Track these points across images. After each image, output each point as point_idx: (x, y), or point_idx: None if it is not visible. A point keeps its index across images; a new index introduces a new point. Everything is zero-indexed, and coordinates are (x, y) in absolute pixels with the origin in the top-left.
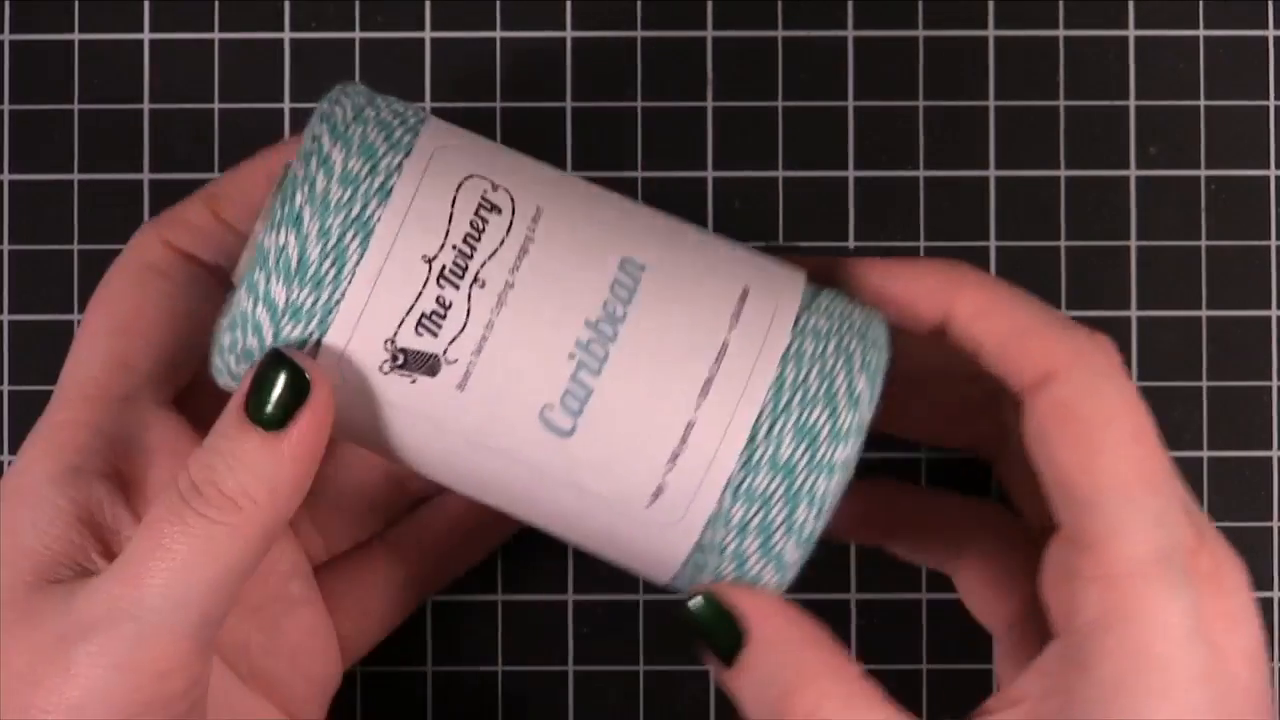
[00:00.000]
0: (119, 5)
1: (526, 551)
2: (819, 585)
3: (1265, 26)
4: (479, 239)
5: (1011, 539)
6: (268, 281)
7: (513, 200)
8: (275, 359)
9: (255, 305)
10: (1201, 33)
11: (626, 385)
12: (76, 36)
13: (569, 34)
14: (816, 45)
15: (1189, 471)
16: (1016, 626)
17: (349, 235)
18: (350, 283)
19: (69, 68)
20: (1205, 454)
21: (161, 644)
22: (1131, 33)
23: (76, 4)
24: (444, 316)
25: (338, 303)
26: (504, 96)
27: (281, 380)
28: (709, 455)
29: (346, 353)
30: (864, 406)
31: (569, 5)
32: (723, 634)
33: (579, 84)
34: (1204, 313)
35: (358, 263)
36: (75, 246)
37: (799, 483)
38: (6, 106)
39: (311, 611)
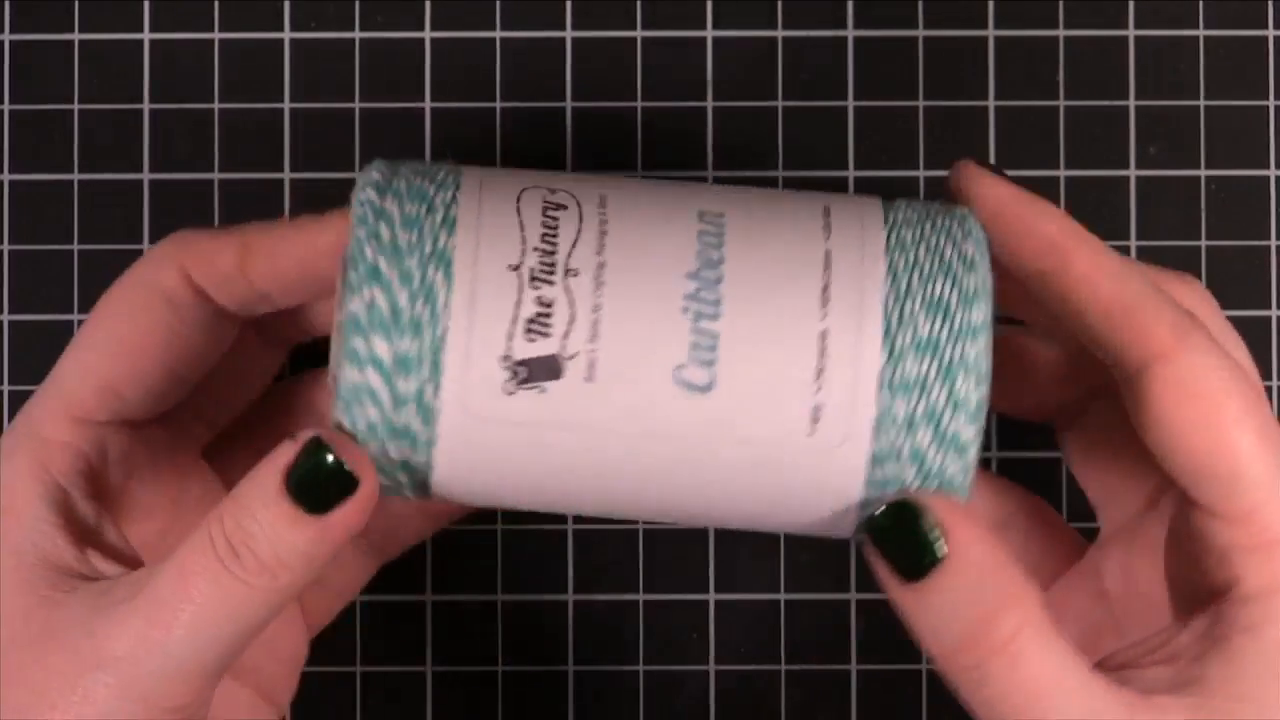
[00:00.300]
0: (119, 5)
1: (526, 551)
2: (819, 585)
3: (1265, 26)
4: (556, 235)
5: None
6: (369, 342)
7: (574, 196)
8: (320, 445)
9: (364, 370)
10: (1201, 33)
11: (747, 319)
12: (76, 36)
13: (569, 34)
14: (816, 45)
15: None
16: (1139, 519)
17: (431, 270)
18: (449, 315)
19: (69, 68)
20: None
21: (182, 683)
22: (1131, 33)
23: (76, 4)
24: (550, 314)
25: (443, 338)
26: (504, 96)
27: (326, 466)
28: (852, 358)
29: (467, 387)
30: (982, 270)
31: (569, 5)
32: (915, 549)
33: (579, 84)
34: None
35: (448, 293)
36: (75, 246)
37: (947, 355)
38: (6, 106)
39: None
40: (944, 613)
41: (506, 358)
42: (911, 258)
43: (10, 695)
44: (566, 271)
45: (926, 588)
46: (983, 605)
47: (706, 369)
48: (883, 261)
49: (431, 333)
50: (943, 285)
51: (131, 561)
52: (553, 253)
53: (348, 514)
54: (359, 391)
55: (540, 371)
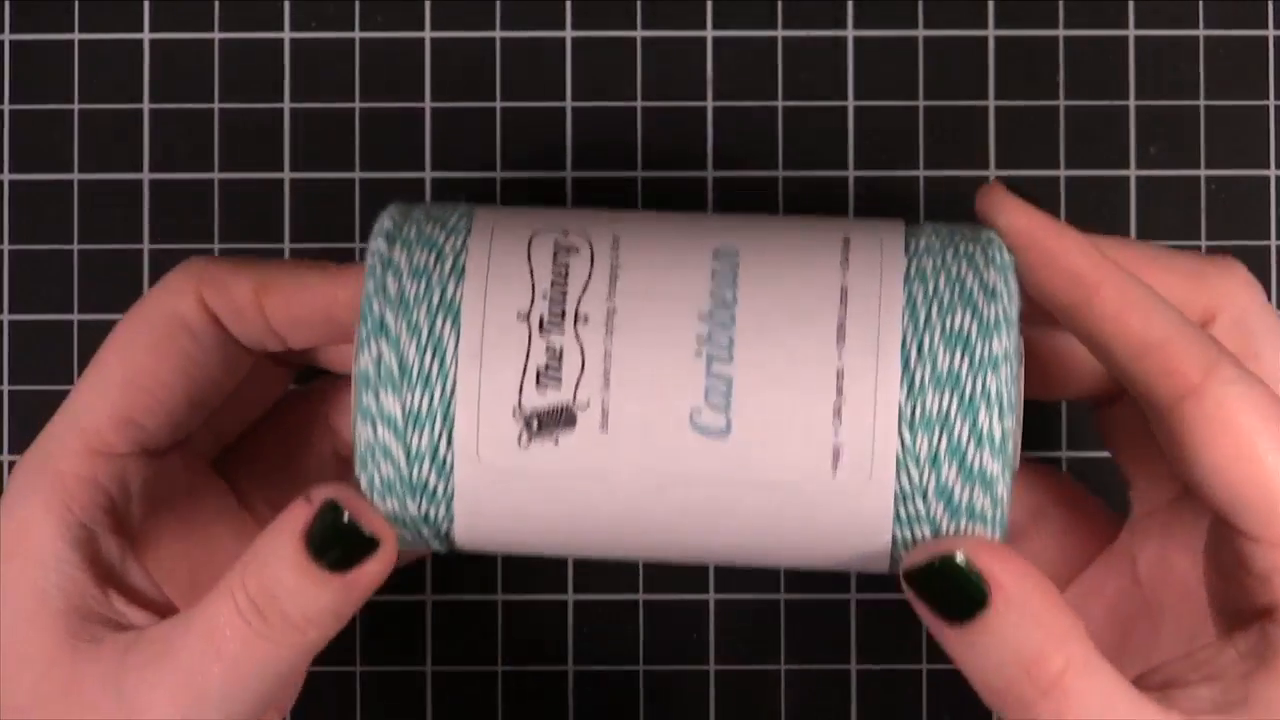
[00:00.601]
0: (119, 5)
1: None
2: (819, 585)
3: (1265, 26)
4: (566, 281)
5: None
6: (378, 399)
7: (588, 239)
8: (334, 507)
9: (376, 428)
10: (1201, 33)
11: (762, 361)
12: (76, 36)
13: (569, 34)
14: (816, 45)
15: None
16: (1174, 503)
17: (439, 322)
18: (457, 367)
19: (69, 68)
20: None
21: None
22: (1131, 33)
23: (76, 4)
24: (559, 363)
25: (452, 391)
26: (504, 96)
27: (343, 527)
28: (869, 397)
29: (480, 440)
30: (1004, 299)
31: (569, 5)
32: (960, 594)
33: (578, 84)
34: None
35: (456, 345)
36: (75, 246)
37: (968, 390)
38: (6, 106)
39: None
40: (990, 654)
41: (518, 409)
42: (931, 289)
43: None
44: (577, 318)
45: (970, 630)
46: (1029, 646)
47: (722, 413)
48: (900, 294)
49: (441, 386)
50: (963, 316)
51: (156, 602)
52: (563, 300)
53: (370, 572)
54: (373, 449)
55: (552, 423)
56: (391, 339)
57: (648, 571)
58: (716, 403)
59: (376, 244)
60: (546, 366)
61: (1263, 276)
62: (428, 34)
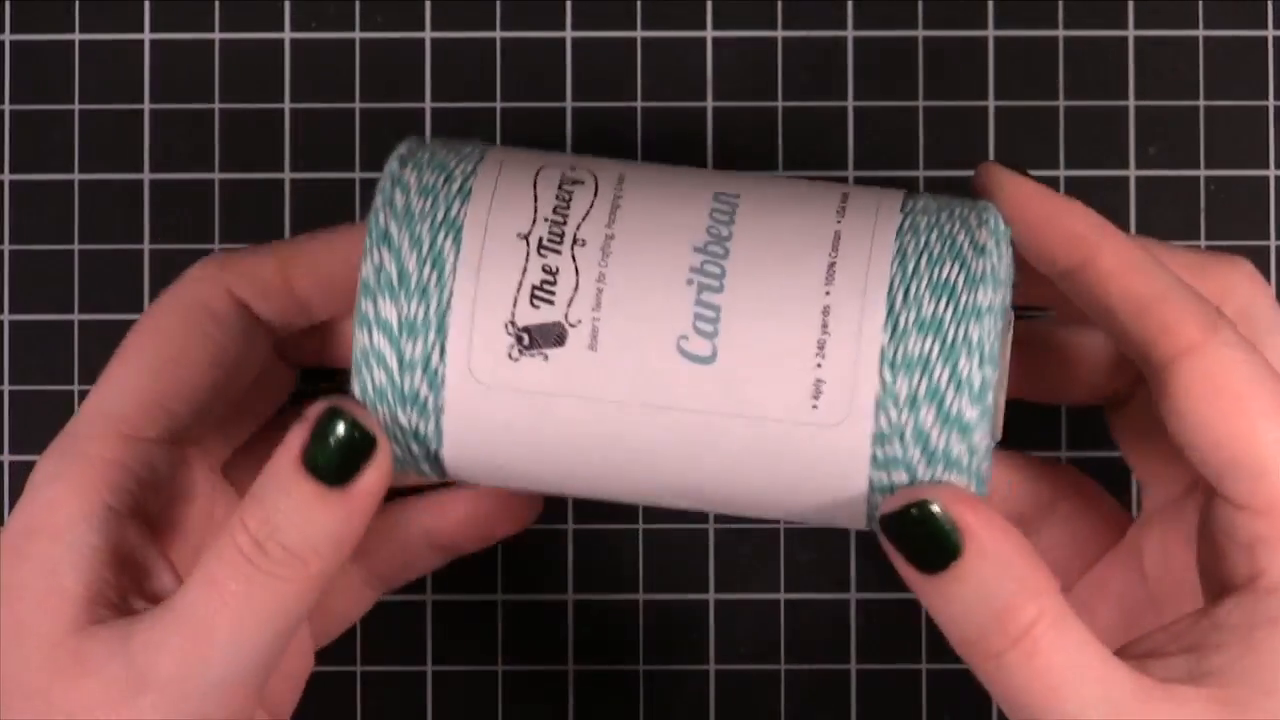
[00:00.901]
0: (119, 5)
1: (526, 551)
2: (819, 585)
3: (1265, 26)
4: (569, 207)
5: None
6: (375, 305)
7: (594, 174)
8: (333, 413)
9: (371, 334)
10: (1201, 33)
11: (751, 292)
12: (76, 36)
13: (569, 34)
14: (816, 45)
15: None
16: (1180, 501)
17: (440, 236)
18: (455, 279)
19: (69, 68)
20: None
21: (229, 694)
22: (1131, 33)
23: (76, 4)
24: (554, 282)
25: (448, 302)
26: (504, 96)
27: (340, 433)
28: (854, 334)
29: (472, 352)
30: (994, 257)
31: (569, 5)
32: (929, 544)
33: (579, 84)
34: None
35: (456, 259)
36: (75, 246)
37: (950, 335)
38: (6, 106)
39: None
40: (963, 604)
41: (511, 323)
42: (922, 242)
43: None
44: (575, 241)
45: (943, 579)
46: (1000, 597)
47: (709, 340)
48: (891, 244)
49: (438, 297)
50: (950, 268)
51: (175, 588)
52: (563, 223)
53: (369, 481)
54: (368, 355)
55: (543, 338)
56: (394, 249)
57: (648, 572)
58: (704, 329)
59: (390, 164)
60: (542, 284)
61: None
62: (428, 34)
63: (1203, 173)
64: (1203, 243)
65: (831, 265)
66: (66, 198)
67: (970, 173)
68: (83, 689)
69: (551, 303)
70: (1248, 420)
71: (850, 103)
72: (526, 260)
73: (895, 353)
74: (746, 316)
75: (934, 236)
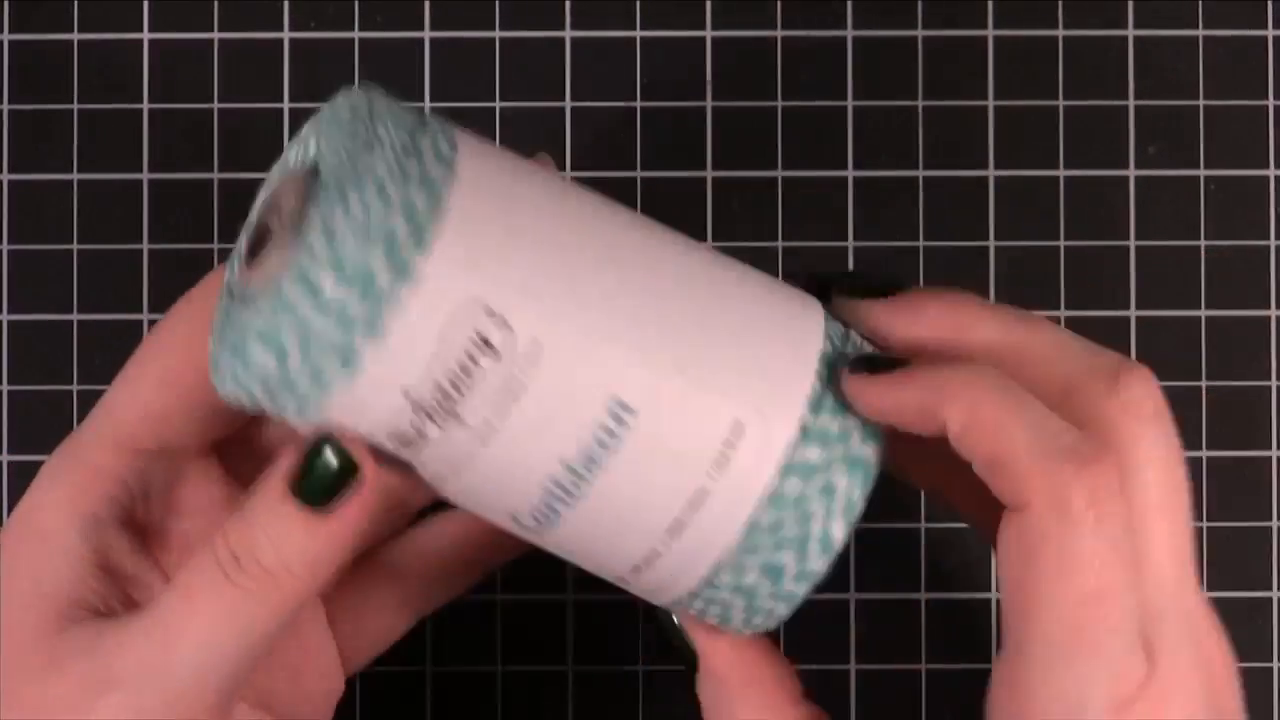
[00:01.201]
0: (119, 5)
1: (526, 551)
2: (819, 586)
3: (1265, 26)
4: (466, 383)
5: None
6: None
7: (510, 330)
8: (322, 439)
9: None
10: (1201, 33)
11: (597, 513)
12: (76, 36)
13: (569, 34)
14: (816, 45)
15: (1188, 471)
16: None
17: (338, 349)
18: (332, 393)
19: (69, 68)
20: (1205, 454)
21: (189, 703)
22: (1131, 33)
23: (76, 4)
24: (421, 439)
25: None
26: (504, 96)
27: (326, 459)
28: (668, 580)
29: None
30: (833, 549)
31: (569, 5)
32: (682, 654)
33: (580, 84)
34: (1203, 313)
35: (335, 385)
36: (75, 246)
37: (757, 612)
38: (6, 106)
39: (315, 629)
40: (705, 705)
41: (408, 418)
42: (778, 520)
43: None
44: (456, 418)
45: (697, 681)
46: (722, 713)
47: (539, 525)
48: (748, 513)
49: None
50: (789, 558)
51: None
52: (453, 399)
53: (351, 511)
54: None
55: (393, 460)
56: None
57: None
58: (538, 519)
59: (332, 154)
60: (409, 432)
61: (1263, 276)
62: (428, 34)
63: (1203, 173)
64: (1202, 242)
65: (679, 522)
66: (66, 198)
67: (970, 173)
68: (50, 687)
69: (410, 448)
70: (1031, 598)
71: (850, 103)
72: (402, 415)
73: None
74: (582, 529)
75: (791, 518)
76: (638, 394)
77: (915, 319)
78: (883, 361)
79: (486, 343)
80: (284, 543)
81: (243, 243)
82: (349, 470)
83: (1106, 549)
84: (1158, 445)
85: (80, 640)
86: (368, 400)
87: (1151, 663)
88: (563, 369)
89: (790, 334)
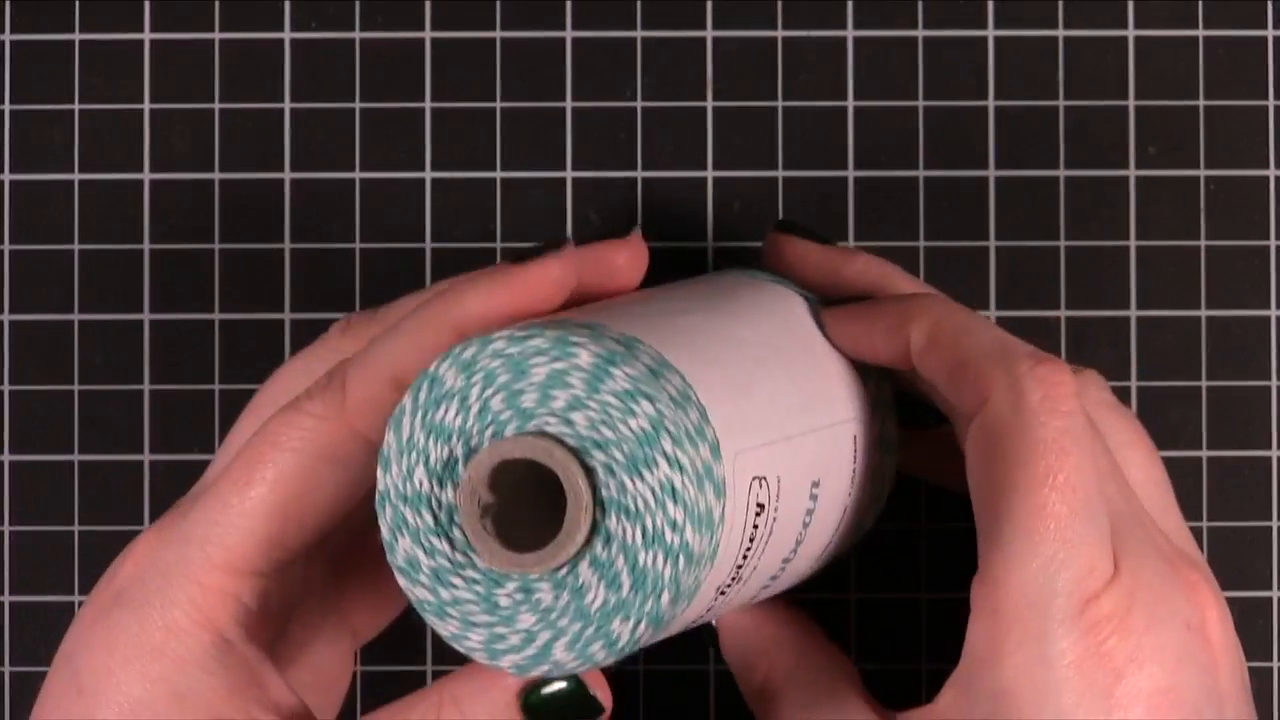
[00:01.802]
0: (119, 5)
1: None
2: (819, 585)
3: (1265, 26)
4: (751, 549)
5: None
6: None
7: (766, 483)
8: (576, 685)
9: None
10: (1201, 33)
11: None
12: (76, 36)
13: (569, 34)
14: (816, 45)
15: (1188, 471)
16: None
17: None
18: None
19: (69, 68)
20: (1204, 454)
21: None
22: (1131, 33)
23: (76, 4)
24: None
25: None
26: (504, 96)
27: (567, 691)
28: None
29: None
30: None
31: (569, 5)
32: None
33: (579, 84)
34: (1203, 313)
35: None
36: (75, 246)
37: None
38: (6, 106)
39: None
40: None
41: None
42: None
43: None
44: (739, 582)
45: None
46: None
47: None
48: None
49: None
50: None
51: (296, 711)
52: (738, 578)
53: None
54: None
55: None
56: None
57: None
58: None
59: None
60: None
61: (1263, 276)
62: (428, 34)
63: (1203, 173)
64: (1202, 242)
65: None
66: (66, 198)
67: (970, 173)
68: None
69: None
70: (998, 486)
71: (850, 103)
72: (707, 603)
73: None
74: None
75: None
76: (822, 473)
77: (848, 262)
78: (854, 298)
79: (761, 508)
80: None
81: (474, 528)
82: (591, 712)
83: (1067, 439)
84: (1100, 405)
85: None
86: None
87: (1117, 568)
88: (790, 485)
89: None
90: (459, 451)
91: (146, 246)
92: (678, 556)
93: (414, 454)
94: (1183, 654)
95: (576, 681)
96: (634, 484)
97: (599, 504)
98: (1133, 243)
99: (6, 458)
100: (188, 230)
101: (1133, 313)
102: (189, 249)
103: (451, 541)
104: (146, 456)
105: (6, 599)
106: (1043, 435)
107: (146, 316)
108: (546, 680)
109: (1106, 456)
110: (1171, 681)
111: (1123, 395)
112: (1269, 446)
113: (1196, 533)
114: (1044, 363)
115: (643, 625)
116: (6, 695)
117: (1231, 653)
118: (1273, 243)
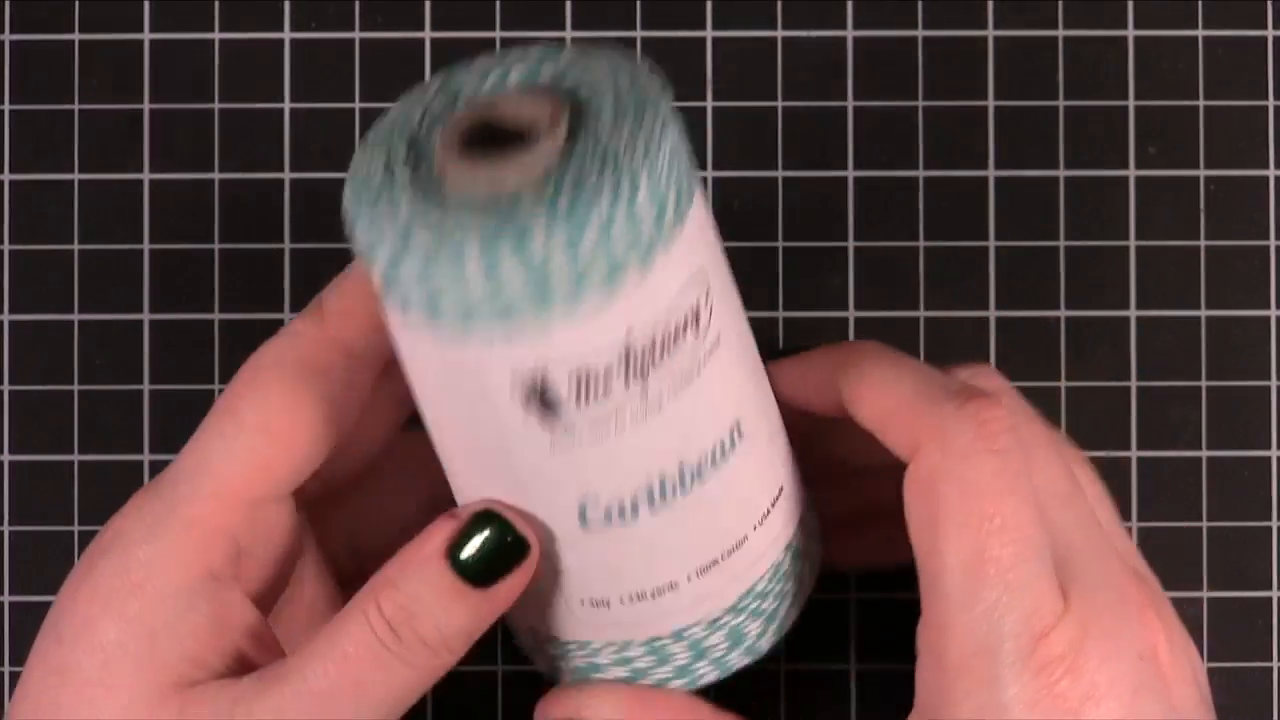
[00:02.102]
0: (119, 5)
1: None
2: (819, 585)
3: (1265, 26)
4: (670, 349)
5: None
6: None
7: (710, 315)
8: (487, 515)
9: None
10: (1201, 33)
11: (660, 531)
12: (76, 36)
13: (569, 34)
14: (818, 45)
15: (1188, 471)
16: None
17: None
18: (579, 306)
19: (69, 68)
20: (1204, 454)
21: None
22: (1131, 33)
23: (77, 4)
24: (603, 393)
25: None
26: None
27: (490, 536)
28: (653, 618)
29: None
30: (781, 634)
31: (569, 5)
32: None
33: None
34: (1203, 313)
35: (587, 300)
36: (75, 246)
37: (688, 673)
38: (6, 106)
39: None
40: None
41: (541, 374)
42: (775, 589)
43: None
44: (643, 382)
45: None
46: None
47: (601, 526)
48: (762, 568)
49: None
50: (755, 627)
51: (274, 651)
52: (654, 359)
53: (512, 583)
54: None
55: (547, 404)
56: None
57: None
58: (606, 517)
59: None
60: (589, 377)
61: (1262, 276)
62: (428, 34)
63: (1203, 173)
64: (1202, 242)
65: (712, 562)
66: (66, 198)
67: (970, 173)
68: None
69: (580, 400)
70: (934, 533)
71: (850, 103)
72: (608, 354)
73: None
74: (626, 554)
75: (770, 601)
76: (750, 426)
77: (802, 368)
78: (791, 350)
79: (696, 318)
80: (445, 618)
81: (444, 139)
82: (518, 550)
83: (1002, 480)
84: (1036, 434)
85: (213, 701)
86: (593, 329)
87: (1067, 601)
88: (723, 373)
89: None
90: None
91: (146, 246)
92: (619, 184)
93: (392, 128)
94: (1138, 684)
95: (500, 524)
96: (620, 129)
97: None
98: (1133, 243)
99: (6, 458)
100: (188, 230)
101: (1133, 313)
102: (189, 249)
103: (420, 176)
104: (146, 456)
105: (6, 599)
106: (975, 478)
107: (146, 316)
108: (467, 536)
109: (1066, 480)
110: (1129, 715)
111: (1123, 395)
112: (1269, 446)
113: (1196, 533)
114: (971, 400)
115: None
116: (6, 694)
117: (1182, 669)
118: (1273, 243)
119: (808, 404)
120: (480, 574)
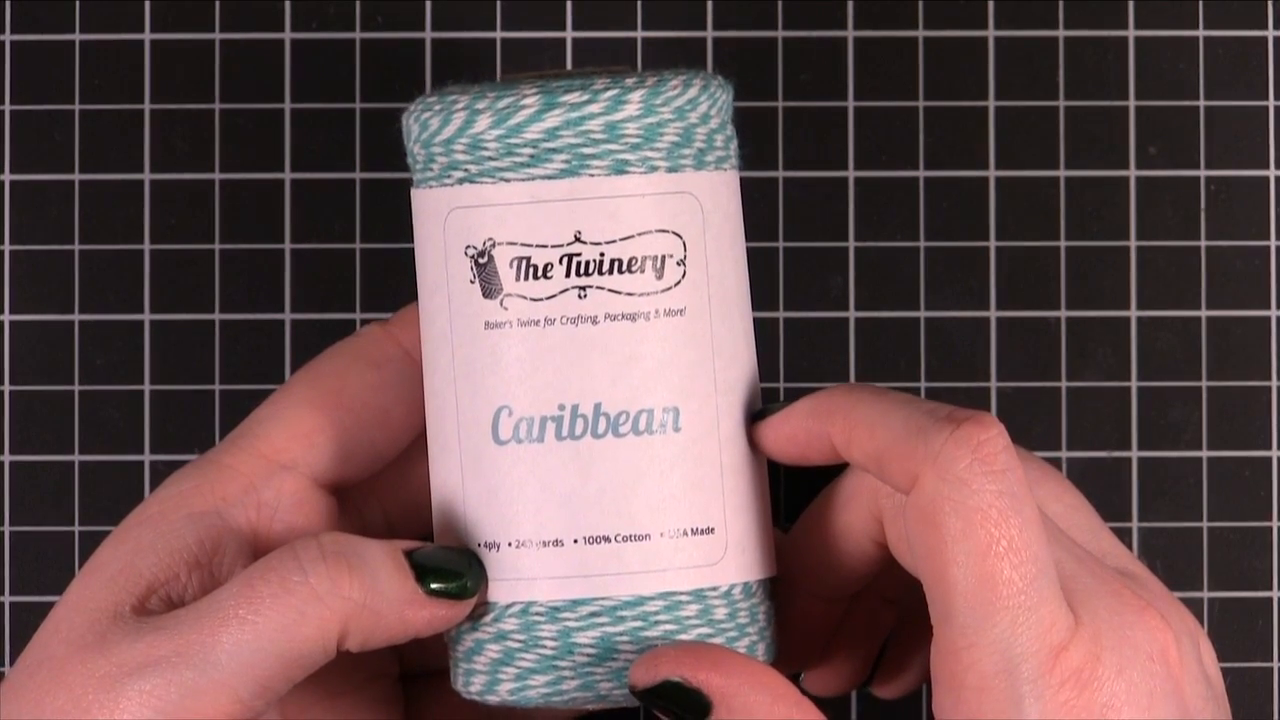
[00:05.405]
0: (119, 5)
1: None
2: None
3: (1265, 26)
4: (623, 273)
5: None
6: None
7: (680, 280)
8: (475, 563)
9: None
10: (1201, 33)
11: (567, 470)
12: (76, 37)
13: (569, 34)
14: (816, 45)
15: (1188, 471)
16: None
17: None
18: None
19: (69, 68)
20: (1205, 454)
21: (210, 700)
22: (1131, 33)
23: (76, 4)
24: (539, 272)
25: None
26: None
27: (461, 569)
28: (519, 576)
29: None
30: None
31: (569, 5)
32: (686, 708)
33: None
34: (1203, 313)
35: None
36: (75, 246)
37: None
38: (6, 106)
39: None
40: None
41: (488, 243)
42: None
43: (52, 699)
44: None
45: None
46: None
47: (514, 443)
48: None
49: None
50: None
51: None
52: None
53: (454, 611)
54: None
55: (487, 277)
56: None
57: None
58: (516, 434)
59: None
60: (538, 267)
61: (1263, 276)
62: (428, 34)
63: (1203, 173)
64: (1202, 243)
65: (605, 539)
66: (66, 198)
67: (970, 173)
68: (90, 666)
69: (517, 279)
70: (941, 562)
71: (850, 103)
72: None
73: None
74: (532, 476)
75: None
76: (692, 429)
77: (787, 418)
78: (771, 407)
79: (660, 267)
80: (383, 589)
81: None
82: (473, 586)
83: (1005, 502)
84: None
85: (134, 625)
86: (546, 210)
87: (1076, 616)
88: (674, 344)
89: None
90: None
91: (146, 246)
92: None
93: None
94: (1153, 689)
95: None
96: None
97: None
98: (1133, 243)
99: (6, 458)
100: (188, 230)
101: (1133, 313)
102: (189, 249)
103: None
104: (146, 456)
105: (6, 599)
106: (978, 504)
107: (146, 317)
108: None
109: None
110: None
111: (1123, 395)
112: (1269, 446)
113: (1196, 533)
114: (964, 423)
115: None
116: None
117: (1190, 667)
118: (1273, 243)
119: (804, 457)
120: (431, 584)
